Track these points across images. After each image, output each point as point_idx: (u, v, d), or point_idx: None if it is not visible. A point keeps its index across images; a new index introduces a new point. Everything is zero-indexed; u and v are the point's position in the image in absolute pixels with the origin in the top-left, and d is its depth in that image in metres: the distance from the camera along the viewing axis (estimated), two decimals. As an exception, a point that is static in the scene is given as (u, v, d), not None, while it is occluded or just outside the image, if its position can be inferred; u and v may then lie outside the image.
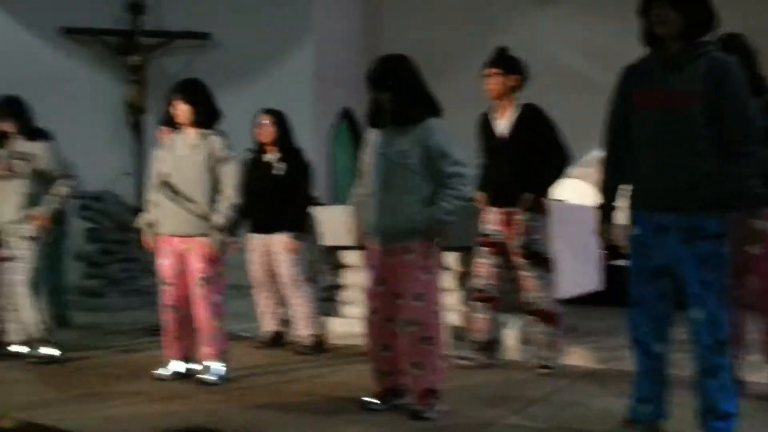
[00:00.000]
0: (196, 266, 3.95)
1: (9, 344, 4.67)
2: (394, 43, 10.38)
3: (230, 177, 4.00)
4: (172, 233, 3.99)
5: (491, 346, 4.47)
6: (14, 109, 4.67)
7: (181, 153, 4.03)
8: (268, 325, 5.20)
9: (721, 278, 2.64)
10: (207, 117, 4.05)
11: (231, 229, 4.03)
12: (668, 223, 2.67)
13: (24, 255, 4.52)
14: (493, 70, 4.26)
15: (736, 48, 3.59)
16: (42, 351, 4.52)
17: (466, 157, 3.36)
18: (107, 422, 3.25)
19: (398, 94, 3.32)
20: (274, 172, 4.98)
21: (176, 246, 4.00)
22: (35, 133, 4.69)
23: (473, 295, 4.44)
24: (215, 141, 4.03)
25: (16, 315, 4.59)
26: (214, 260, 3.94)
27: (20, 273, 4.50)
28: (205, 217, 3.94)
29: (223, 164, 4.00)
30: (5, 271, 4.59)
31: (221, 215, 3.93)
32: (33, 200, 4.57)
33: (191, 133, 4.05)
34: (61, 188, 4.64)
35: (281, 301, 5.15)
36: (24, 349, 4.59)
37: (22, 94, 4.76)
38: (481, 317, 4.41)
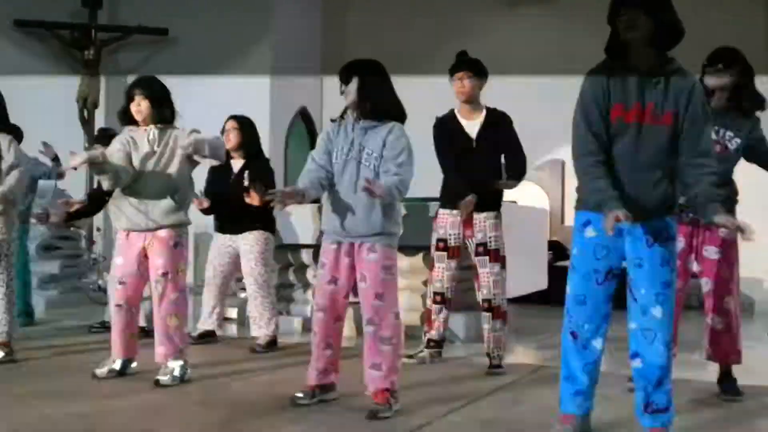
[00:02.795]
0: (157, 262, 3.89)
1: None
2: (354, 44, 10.44)
3: None
4: (131, 228, 3.95)
5: (440, 344, 4.57)
6: None
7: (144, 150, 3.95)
8: (206, 323, 5.24)
9: (674, 279, 2.77)
10: (165, 115, 3.98)
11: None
12: (626, 228, 2.70)
13: None
14: (467, 73, 4.34)
15: (738, 62, 3.69)
16: None
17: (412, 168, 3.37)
18: (42, 422, 3.18)
19: (362, 87, 3.34)
20: (237, 177, 5.05)
21: (135, 241, 3.94)
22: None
23: (433, 297, 4.50)
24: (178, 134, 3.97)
25: None
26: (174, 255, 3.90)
27: None
28: (174, 211, 3.91)
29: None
30: None
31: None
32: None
33: (152, 130, 3.97)
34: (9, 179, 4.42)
35: (224, 302, 5.32)
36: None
37: (-29, 87, 4.65)
38: (437, 317, 4.51)
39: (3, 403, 3.49)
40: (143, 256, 3.93)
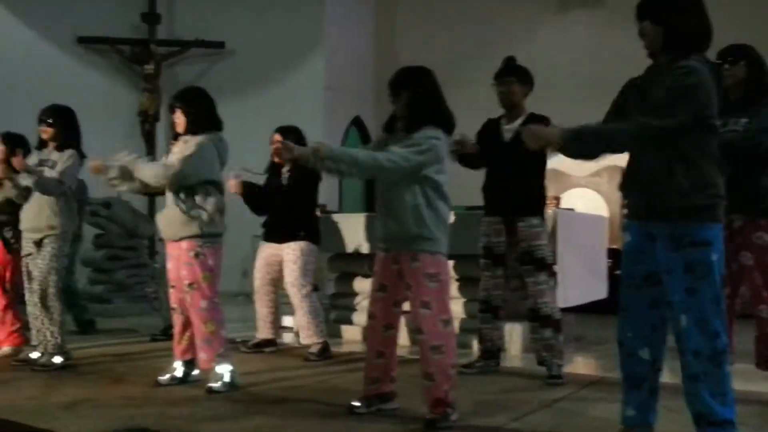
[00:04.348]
0: (182, 273, 3.98)
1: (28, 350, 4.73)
2: (406, 52, 10.47)
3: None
4: (167, 237, 4.06)
5: (495, 354, 4.52)
6: (57, 117, 4.63)
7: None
8: (263, 332, 5.27)
9: (709, 286, 2.62)
10: (200, 125, 4.02)
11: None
12: (656, 232, 2.69)
13: (42, 264, 4.54)
14: (511, 79, 4.33)
15: (746, 58, 3.70)
16: (52, 360, 4.54)
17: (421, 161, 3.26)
18: (106, 425, 3.26)
19: (410, 101, 3.34)
20: (283, 182, 5.09)
21: (173, 249, 4.05)
22: (69, 146, 4.63)
23: (479, 306, 4.49)
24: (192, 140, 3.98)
25: (35, 322, 4.60)
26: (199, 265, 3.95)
27: (39, 280, 4.52)
28: (190, 221, 3.95)
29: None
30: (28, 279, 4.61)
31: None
32: (54, 207, 4.53)
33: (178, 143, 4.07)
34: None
35: (278, 309, 5.31)
36: (35, 355, 4.64)
37: (37, 102, 4.78)
38: (486, 326, 4.48)
39: (66, 407, 3.58)
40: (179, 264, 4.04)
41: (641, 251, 2.75)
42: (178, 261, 4.02)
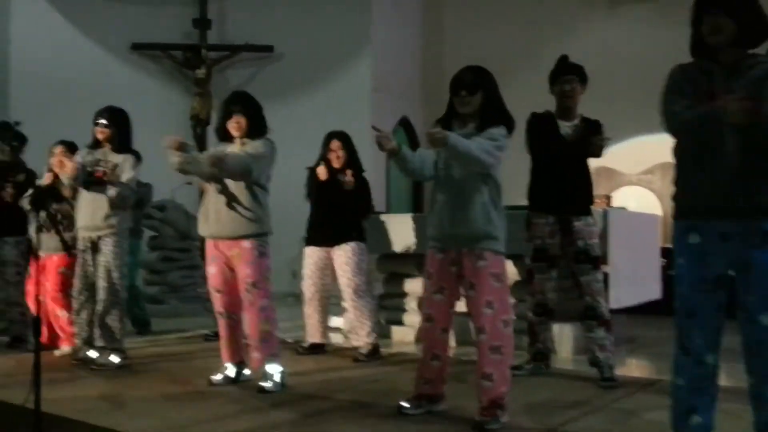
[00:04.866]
0: (244, 272, 4.00)
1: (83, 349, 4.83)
2: (453, 53, 10.43)
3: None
4: (216, 236, 4.05)
5: (546, 355, 4.48)
6: (114, 119, 4.76)
7: None
8: (314, 336, 5.27)
9: None
10: (258, 129, 4.09)
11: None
12: (731, 230, 2.58)
13: (105, 262, 4.65)
14: (573, 77, 4.29)
15: None
16: (110, 359, 4.65)
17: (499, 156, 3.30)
18: (162, 424, 3.33)
19: (485, 100, 3.35)
20: (346, 187, 4.98)
21: (223, 250, 4.06)
22: (125, 148, 4.77)
23: (534, 309, 4.42)
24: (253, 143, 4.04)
25: (97, 321, 4.70)
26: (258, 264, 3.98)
27: (102, 280, 4.64)
28: (252, 220, 3.98)
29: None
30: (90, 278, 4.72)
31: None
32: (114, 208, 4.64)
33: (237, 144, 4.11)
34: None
35: (327, 313, 5.31)
36: (94, 354, 4.74)
37: (92, 107, 4.88)
38: (541, 328, 4.43)
39: (123, 406, 3.67)
40: (230, 265, 4.05)
41: (712, 253, 2.62)
42: (226, 263, 4.04)
